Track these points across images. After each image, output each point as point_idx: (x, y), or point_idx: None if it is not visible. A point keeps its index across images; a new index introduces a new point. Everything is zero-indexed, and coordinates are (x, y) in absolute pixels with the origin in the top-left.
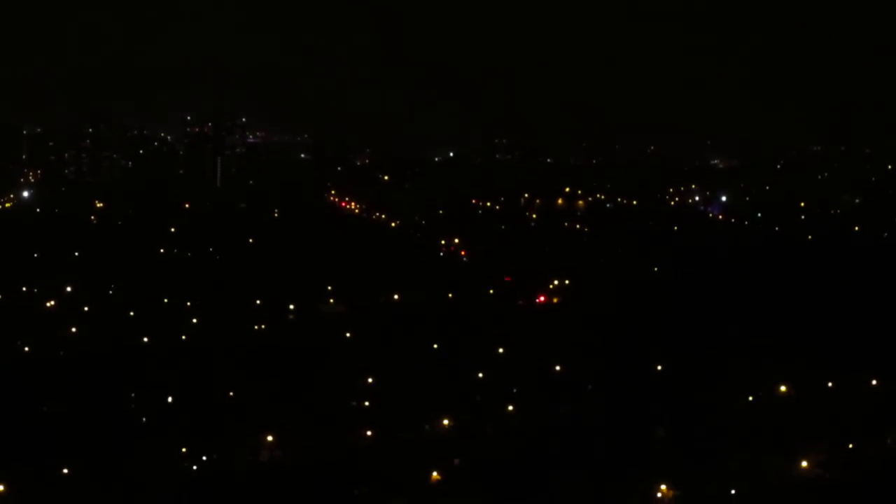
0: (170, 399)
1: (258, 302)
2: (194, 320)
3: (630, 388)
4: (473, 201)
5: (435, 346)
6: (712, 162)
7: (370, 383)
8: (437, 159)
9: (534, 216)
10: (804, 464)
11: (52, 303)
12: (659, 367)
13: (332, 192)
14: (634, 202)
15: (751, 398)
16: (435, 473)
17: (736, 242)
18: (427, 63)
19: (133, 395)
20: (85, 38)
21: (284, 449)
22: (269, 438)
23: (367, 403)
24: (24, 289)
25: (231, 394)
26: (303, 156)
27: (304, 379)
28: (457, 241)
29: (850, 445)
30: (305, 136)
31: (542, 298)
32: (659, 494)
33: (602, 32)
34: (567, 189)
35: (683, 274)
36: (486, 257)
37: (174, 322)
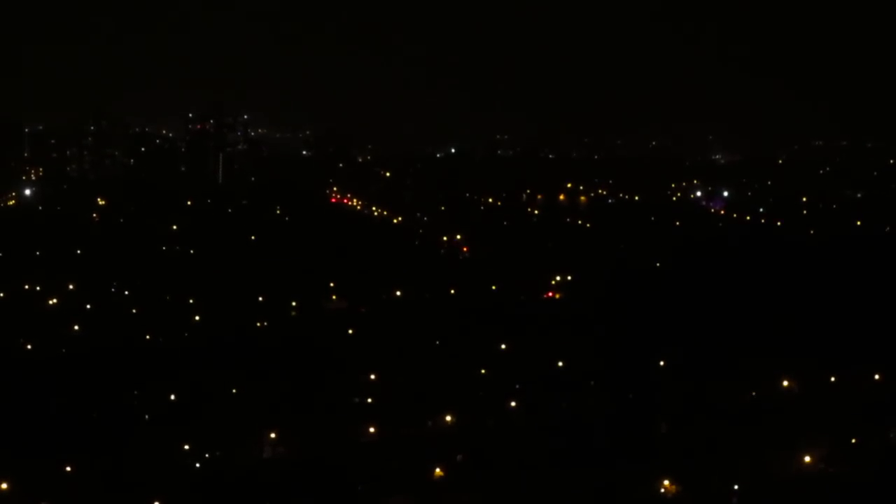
0: (172, 396)
1: (260, 299)
2: (196, 317)
3: (633, 383)
4: (475, 197)
5: (437, 342)
6: (714, 157)
7: (373, 379)
8: (438, 155)
9: (535, 212)
10: (807, 458)
11: (55, 301)
12: (661, 363)
13: (334, 188)
14: (636, 197)
15: (754, 393)
16: (438, 469)
17: (738, 237)
18: (429, 59)
19: (135, 392)
20: (87, 36)
21: (287, 445)
22: (272, 435)
23: (369, 399)
24: (26, 287)
25: (233, 391)
26: (304, 152)
27: (307, 375)
28: (458, 237)
29: (853, 440)
30: (307, 132)
31: (549, 294)
32: (662, 489)
33: (603, 27)
34: (569, 185)
35: (685, 269)
36: (487, 253)
37: (176, 319)
